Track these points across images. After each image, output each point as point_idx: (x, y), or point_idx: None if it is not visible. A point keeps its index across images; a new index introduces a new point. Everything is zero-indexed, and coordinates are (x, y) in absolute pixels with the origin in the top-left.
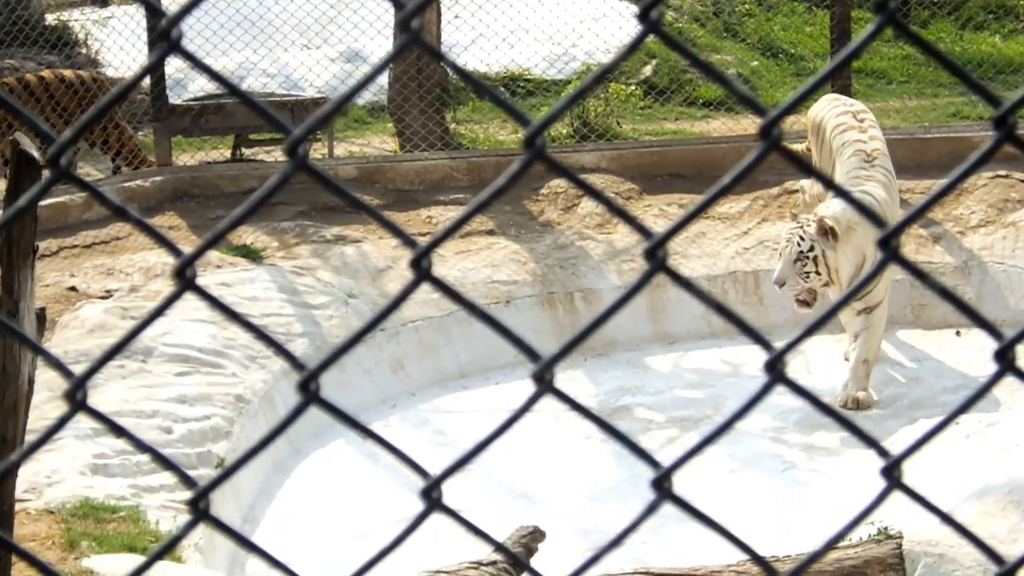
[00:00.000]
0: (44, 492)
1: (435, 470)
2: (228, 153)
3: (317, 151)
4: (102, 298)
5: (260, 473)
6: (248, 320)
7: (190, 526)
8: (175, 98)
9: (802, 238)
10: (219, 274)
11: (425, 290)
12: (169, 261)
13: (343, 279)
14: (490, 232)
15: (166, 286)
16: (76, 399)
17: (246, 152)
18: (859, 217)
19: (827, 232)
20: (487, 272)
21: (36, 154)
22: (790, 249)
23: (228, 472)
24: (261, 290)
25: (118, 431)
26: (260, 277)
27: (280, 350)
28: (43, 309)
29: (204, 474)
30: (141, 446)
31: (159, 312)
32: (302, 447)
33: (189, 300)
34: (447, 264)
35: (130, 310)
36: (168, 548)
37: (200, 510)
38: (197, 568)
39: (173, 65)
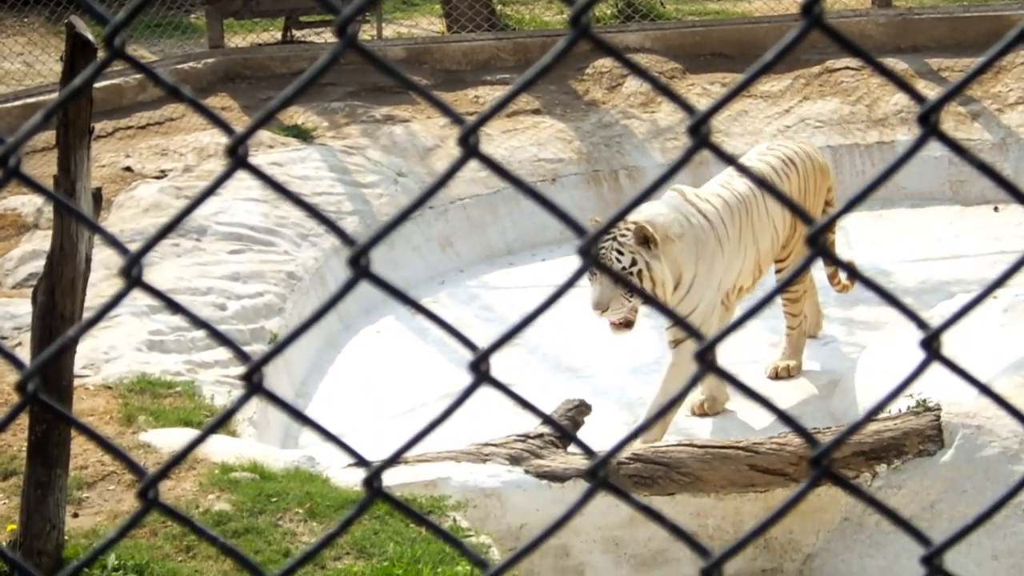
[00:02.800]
0: (102, 368)
1: (483, 344)
2: (279, 35)
3: (366, 32)
4: (156, 178)
5: (312, 349)
6: (300, 197)
7: (243, 399)
8: None
9: (620, 252)
10: (271, 154)
11: (473, 168)
12: (222, 141)
13: (392, 158)
14: (536, 111)
15: (219, 166)
16: (132, 275)
17: (297, 34)
18: (678, 228)
19: (647, 240)
20: (533, 150)
21: (91, 36)
22: (609, 265)
23: (280, 347)
24: (312, 169)
25: (174, 307)
26: (311, 156)
27: (331, 226)
28: (99, 189)
29: (257, 349)
30: (196, 322)
31: (212, 189)
32: (352, 323)
33: (242, 179)
34: (494, 143)
35: (184, 190)
36: (222, 421)
37: (254, 384)
38: (251, 442)
39: None
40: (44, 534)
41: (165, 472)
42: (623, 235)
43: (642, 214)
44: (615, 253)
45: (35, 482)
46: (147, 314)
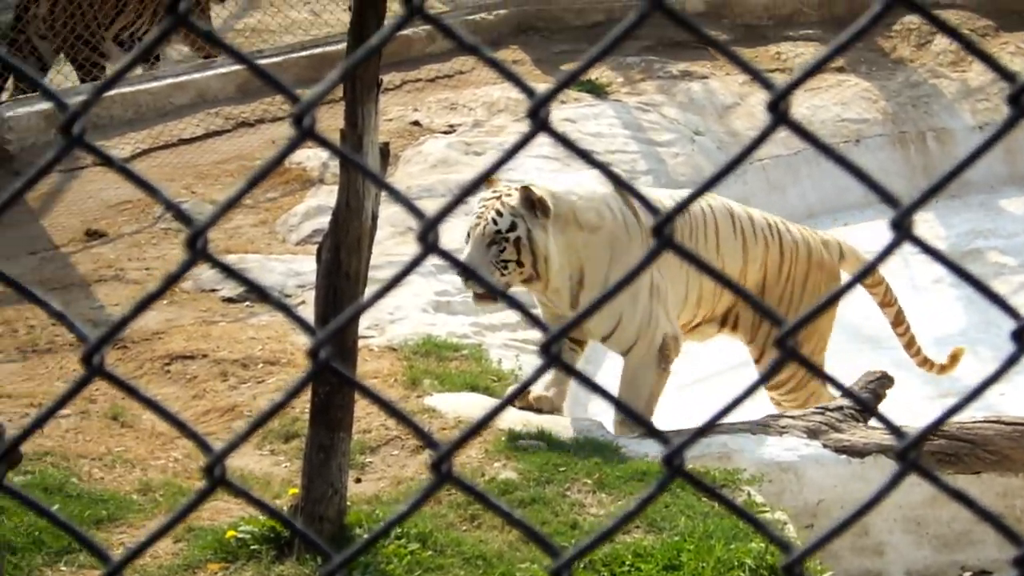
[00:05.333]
0: (387, 329)
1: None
2: None
3: None
4: (445, 133)
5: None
6: (599, 161)
7: (541, 370)
8: None
9: (500, 212)
10: (563, 109)
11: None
12: (512, 96)
13: (689, 116)
14: (840, 69)
15: (509, 121)
16: (428, 241)
17: None
18: (594, 217)
19: (534, 204)
20: (836, 110)
21: None
22: (482, 227)
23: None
24: (606, 126)
25: (464, 271)
26: (605, 113)
27: (635, 193)
28: (386, 144)
29: None
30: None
31: (513, 153)
32: None
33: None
34: (795, 101)
35: (473, 145)
36: (518, 393)
37: (552, 355)
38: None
39: None
40: (326, 499)
41: (459, 445)
42: (508, 195)
43: (555, 184)
44: (494, 212)
45: (317, 445)
46: (433, 274)
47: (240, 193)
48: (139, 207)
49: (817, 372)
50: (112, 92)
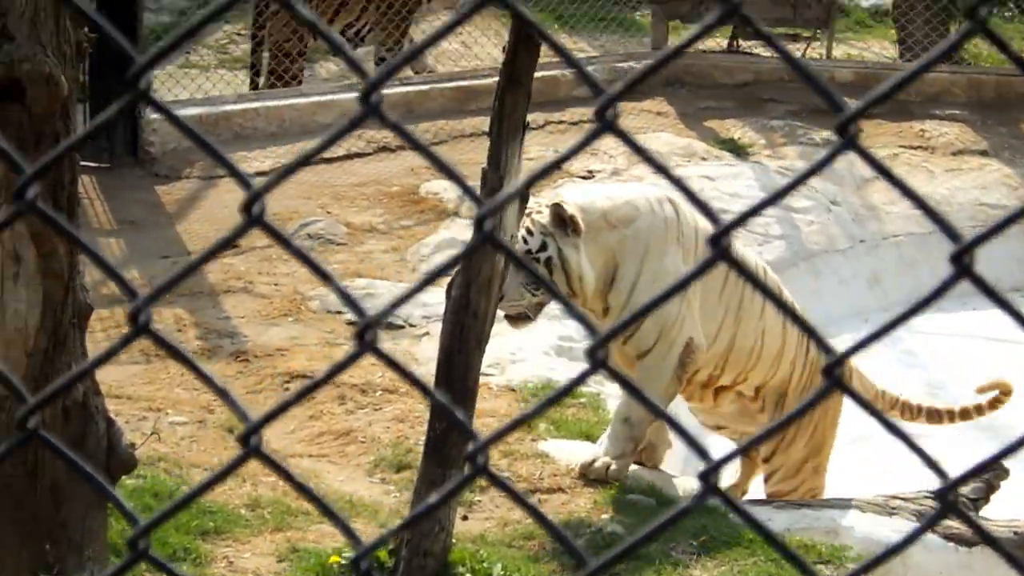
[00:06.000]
0: (507, 369)
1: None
2: (724, 43)
3: (815, 50)
4: (583, 177)
5: None
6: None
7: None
8: None
9: (530, 231)
10: (703, 166)
11: (908, 204)
12: (653, 146)
13: (827, 185)
14: (983, 152)
15: (647, 172)
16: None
17: (743, 44)
18: (629, 211)
19: (565, 222)
20: (975, 194)
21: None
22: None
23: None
24: (743, 186)
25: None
26: (744, 173)
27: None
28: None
29: None
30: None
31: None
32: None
33: (662, 186)
34: (935, 181)
35: None
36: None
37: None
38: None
39: None
40: (432, 534)
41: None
42: (539, 212)
43: (584, 195)
44: (524, 231)
45: (428, 480)
46: (558, 318)
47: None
48: (274, 221)
49: (863, 403)
50: (257, 105)
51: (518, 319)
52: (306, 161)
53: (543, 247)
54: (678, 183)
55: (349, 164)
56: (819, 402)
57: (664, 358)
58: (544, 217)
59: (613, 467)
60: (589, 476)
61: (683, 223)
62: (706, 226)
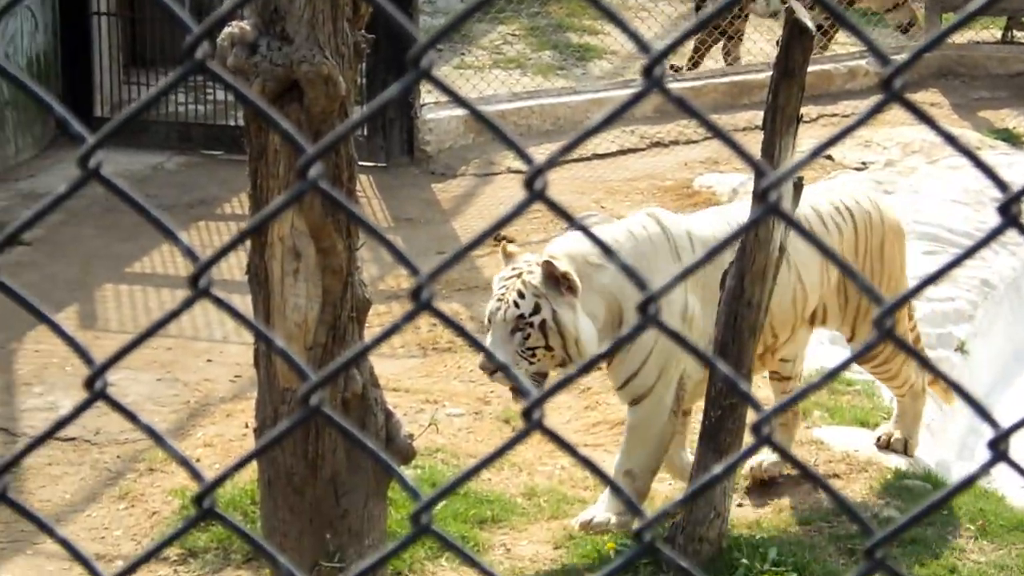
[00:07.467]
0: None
1: None
2: (999, 34)
3: None
4: (857, 169)
5: (1000, 358)
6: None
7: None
8: None
9: (521, 294)
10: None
11: None
12: (927, 138)
13: None
14: None
15: (921, 163)
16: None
17: (1018, 35)
18: (613, 242)
19: (559, 280)
20: None
21: (810, 23)
22: (503, 312)
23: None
24: (1019, 175)
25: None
26: (1019, 162)
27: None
28: (800, 177)
29: (942, 355)
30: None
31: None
32: None
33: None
34: None
35: (884, 183)
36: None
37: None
38: (927, 449)
39: None
40: (708, 521)
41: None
42: (530, 272)
43: (571, 243)
44: (514, 295)
45: (704, 467)
46: None
47: None
48: (548, 217)
49: (909, 351)
50: (531, 104)
51: (515, 390)
52: (587, 136)
53: (536, 310)
54: (965, 151)
55: (623, 159)
56: (870, 352)
57: (662, 400)
58: (535, 277)
59: (613, 520)
60: (589, 533)
61: (673, 235)
62: (699, 229)
